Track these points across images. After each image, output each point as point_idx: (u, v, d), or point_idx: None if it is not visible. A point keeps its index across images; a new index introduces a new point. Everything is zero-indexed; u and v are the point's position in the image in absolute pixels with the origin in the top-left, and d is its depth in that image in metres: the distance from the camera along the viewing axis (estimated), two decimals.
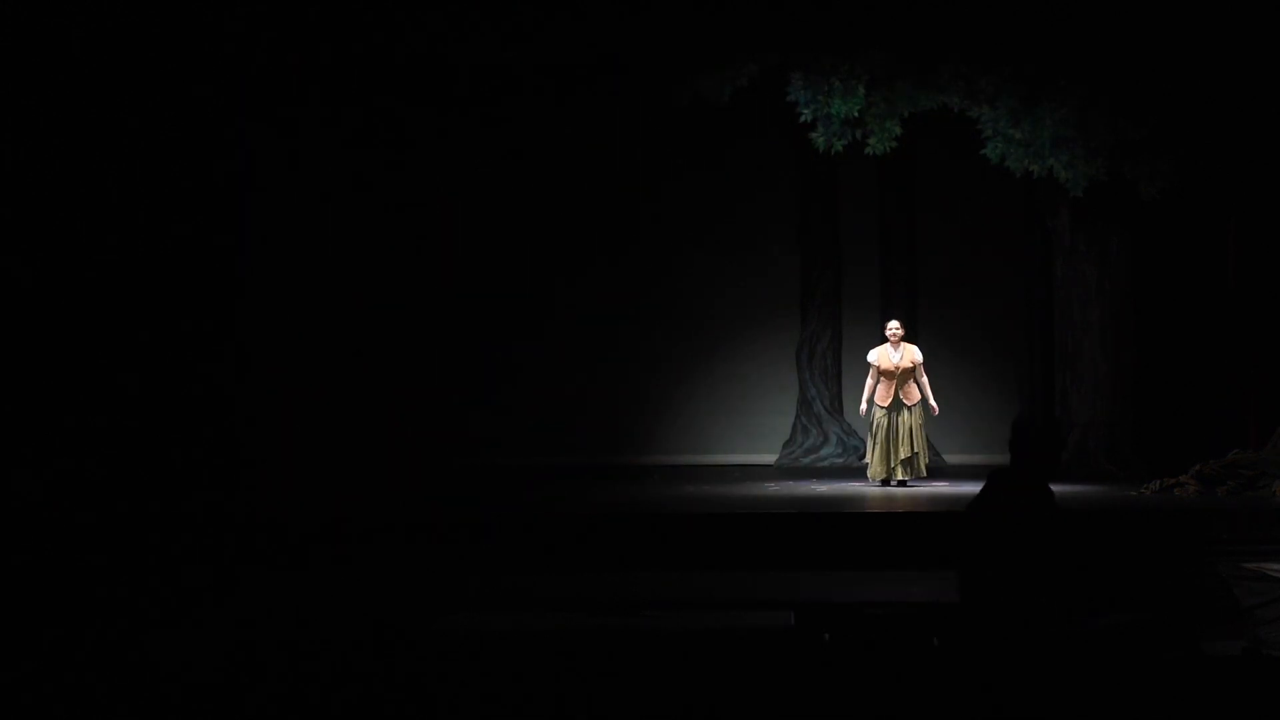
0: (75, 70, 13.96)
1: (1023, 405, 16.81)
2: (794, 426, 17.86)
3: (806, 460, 17.55)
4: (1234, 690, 7.56)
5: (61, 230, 14.29)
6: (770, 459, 17.69)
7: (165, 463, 14.91)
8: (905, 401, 14.67)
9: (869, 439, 14.89)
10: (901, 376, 14.68)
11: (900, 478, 14.56)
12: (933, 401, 14.69)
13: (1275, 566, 10.22)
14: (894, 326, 14.93)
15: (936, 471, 15.26)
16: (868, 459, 14.99)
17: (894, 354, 14.78)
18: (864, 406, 14.77)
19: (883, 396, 14.72)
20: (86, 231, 14.44)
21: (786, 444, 17.82)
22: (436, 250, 17.56)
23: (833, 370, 17.91)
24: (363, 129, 16.85)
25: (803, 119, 14.52)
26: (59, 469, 13.93)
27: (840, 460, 17.47)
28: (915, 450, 14.62)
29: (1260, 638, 9.49)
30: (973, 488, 14.45)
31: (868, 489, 14.51)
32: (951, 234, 17.82)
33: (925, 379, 14.74)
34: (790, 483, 15.21)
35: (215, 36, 14.34)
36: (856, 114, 14.41)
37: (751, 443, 17.88)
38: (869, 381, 14.79)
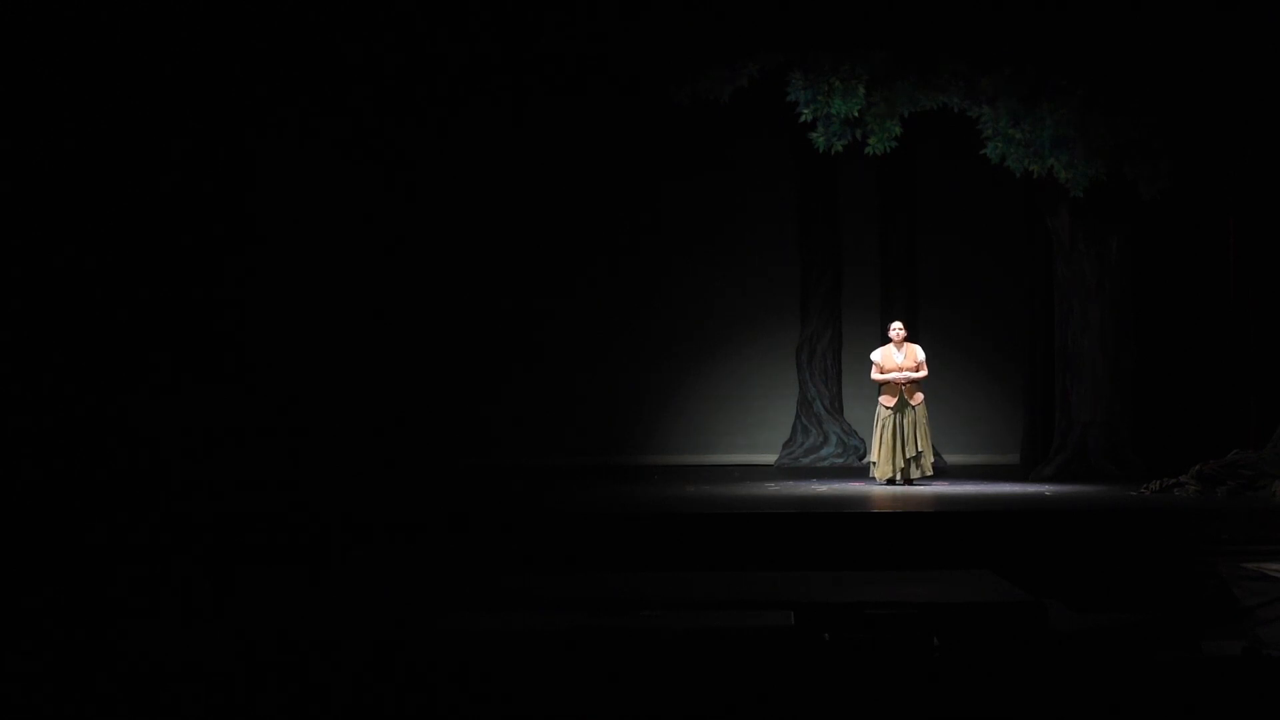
0: (77, 81, 14.02)
1: (1023, 405, 16.81)
2: (794, 426, 17.86)
3: (806, 460, 17.55)
4: (1234, 690, 7.56)
5: (62, 241, 14.36)
6: (770, 459, 17.70)
7: (165, 462, 14.94)
8: (910, 401, 14.69)
9: (874, 438, 14.89)
10: None
11: (908, 477, 14.58)
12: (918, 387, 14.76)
13: (1275, 566, 10.23)
14: (897, 328, 14.96)
15: (937, 471, 15.26)
16: (872, 458, 14.99)
17: (897, 355, 14.80)
18: (877, 375, 14.76)
19: (888, 397, 14.73)
20: (87, 242, 14.51)
21: (786, 444, 17.82)
22: (437, 251, 17.59)
23: (833, 370, 17.91)
24: (362, 131, 16.89)
25: (803, 119, 14.52)
26: (58, 468, 13.96)
27: (840, 460, 17.47)
28: (920, 449, 14.65)
29: (1260, 638, 9.50)
30: (973, 488, 14.56)
31: (868, 488, 14.51)
32: (951, 234, 17.82)
33: (924, 373, 14.78)
34: (790, 483, 15.20)
35: (215, 43, 14.37)
36: (856, 114, 14.40)
37: (751, 443, 17.88)
38: (874, 375, 14.83)
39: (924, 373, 14.81)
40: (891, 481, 14.59)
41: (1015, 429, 16.88)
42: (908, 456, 14.63)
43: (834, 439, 17.66)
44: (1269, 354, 14.88)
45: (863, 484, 14.90)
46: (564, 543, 11.42)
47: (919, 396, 14.76)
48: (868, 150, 14.65)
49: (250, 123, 15.79)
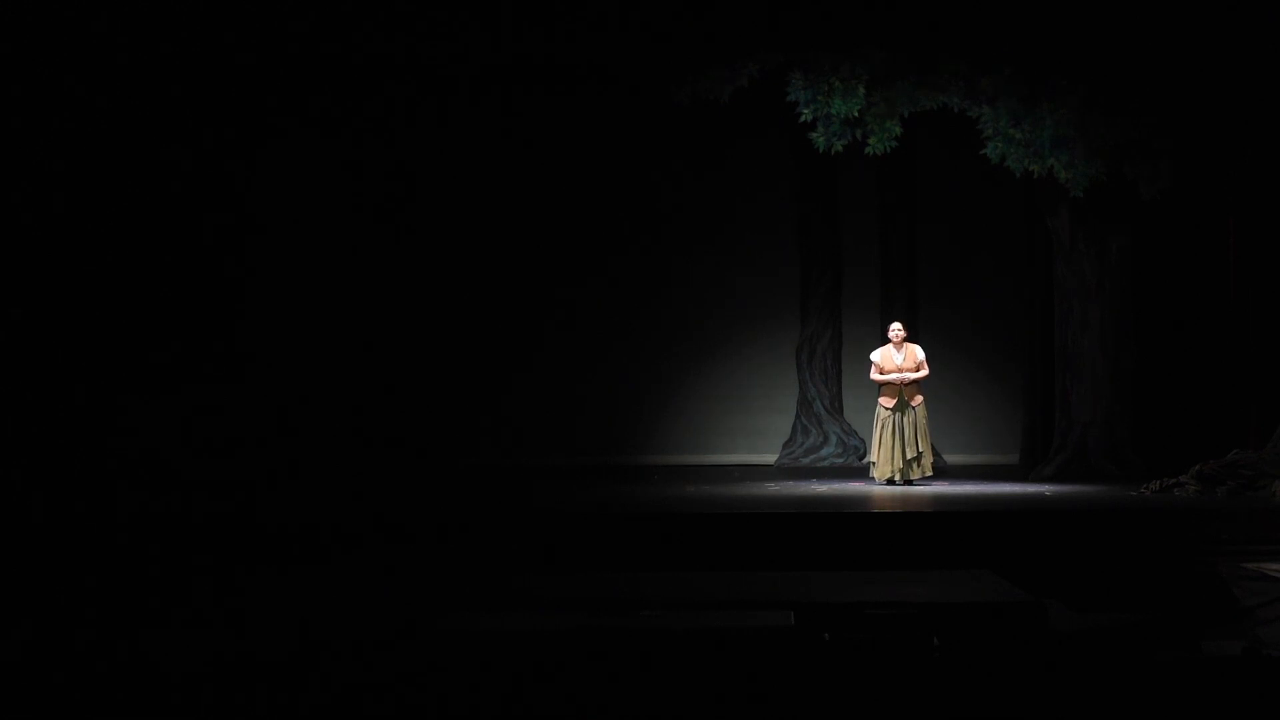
0: (77, 80, 14.04)
1: (1023, 405, 16.81)
2: (794, 426, 17.86)
3: (806, 460, 17.55)
4: (1234, 690, 7.56)
5: (61, 240, 14.38)
6: (770, 459, 17.69)
7: (165, 462, 14.94)
8: (910, 402, 14.69)
9: (874, 439, 14.89)
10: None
11: (908, 477, 14.59)
12: (919, 388, 14.78)
13: (1275, 566, 10.22)
14: (896, 328, 14.98)
15: (937, 471, 15.27)
16: (872, 458, 14.99)
17: (896, 355, 14.81)
18: (876, 376, 14.78)
19: (888, 398, 14.74)
20: (86, 242, 14.53)
21: (787, 444, 17.82)
22: (438, 251, 17.58)
23: (833, 370, 17.90)
24: (363, 132, 16.89)
25: (803, 119, 14.52)
26: (58, 468, 13.96)
27: (840, 460, 17.47)
28: (920, 450, 14.66)
29: (1260, 638, 9.49)
30: (973, 488, 14.56)
31: (868, 489, 14.51)
32: (951, 234, 17.82)
33: (925, 371, 14.79)
34: (790, 483, 15.20)
35: (214, 42, 14.37)
36: (856, 114, 14.41)
37: (751, 443, 17.88)
38: (873, 375, 14.84)
39: (925, 371, 14.82)
40: (891, 482, 14.60)
41: (1015, 429, 16.88)
42: (908, 458, 14.64)
43: (834, 439, 17.66)
44: (1269, 354, 14.88)
45: (863, 484, 14.90)
46: (564, 543, 11.42)
47: (919, 397, 14.77)
48: (868, 150, 14.66)
49: (251, 122, 15.79)
